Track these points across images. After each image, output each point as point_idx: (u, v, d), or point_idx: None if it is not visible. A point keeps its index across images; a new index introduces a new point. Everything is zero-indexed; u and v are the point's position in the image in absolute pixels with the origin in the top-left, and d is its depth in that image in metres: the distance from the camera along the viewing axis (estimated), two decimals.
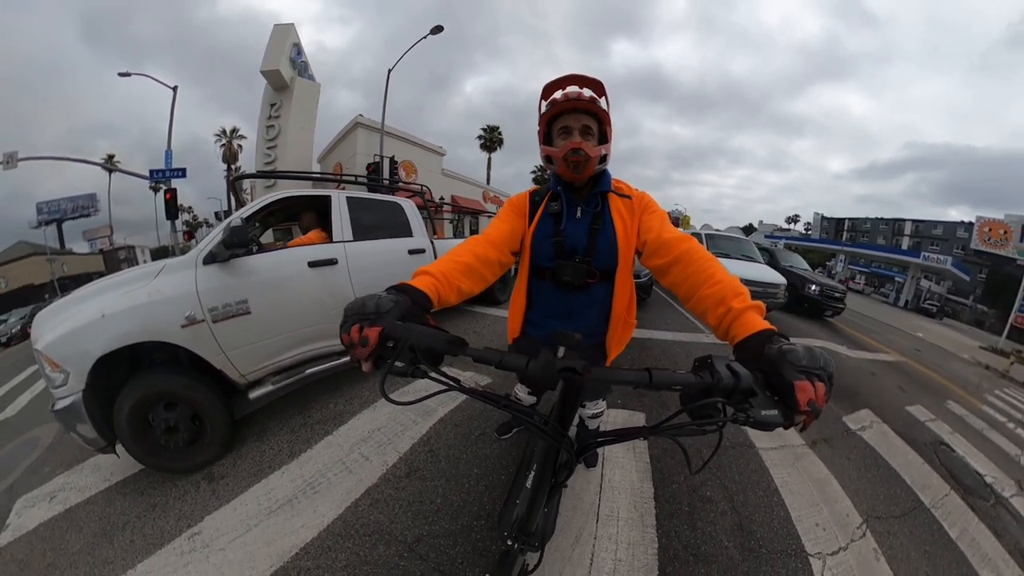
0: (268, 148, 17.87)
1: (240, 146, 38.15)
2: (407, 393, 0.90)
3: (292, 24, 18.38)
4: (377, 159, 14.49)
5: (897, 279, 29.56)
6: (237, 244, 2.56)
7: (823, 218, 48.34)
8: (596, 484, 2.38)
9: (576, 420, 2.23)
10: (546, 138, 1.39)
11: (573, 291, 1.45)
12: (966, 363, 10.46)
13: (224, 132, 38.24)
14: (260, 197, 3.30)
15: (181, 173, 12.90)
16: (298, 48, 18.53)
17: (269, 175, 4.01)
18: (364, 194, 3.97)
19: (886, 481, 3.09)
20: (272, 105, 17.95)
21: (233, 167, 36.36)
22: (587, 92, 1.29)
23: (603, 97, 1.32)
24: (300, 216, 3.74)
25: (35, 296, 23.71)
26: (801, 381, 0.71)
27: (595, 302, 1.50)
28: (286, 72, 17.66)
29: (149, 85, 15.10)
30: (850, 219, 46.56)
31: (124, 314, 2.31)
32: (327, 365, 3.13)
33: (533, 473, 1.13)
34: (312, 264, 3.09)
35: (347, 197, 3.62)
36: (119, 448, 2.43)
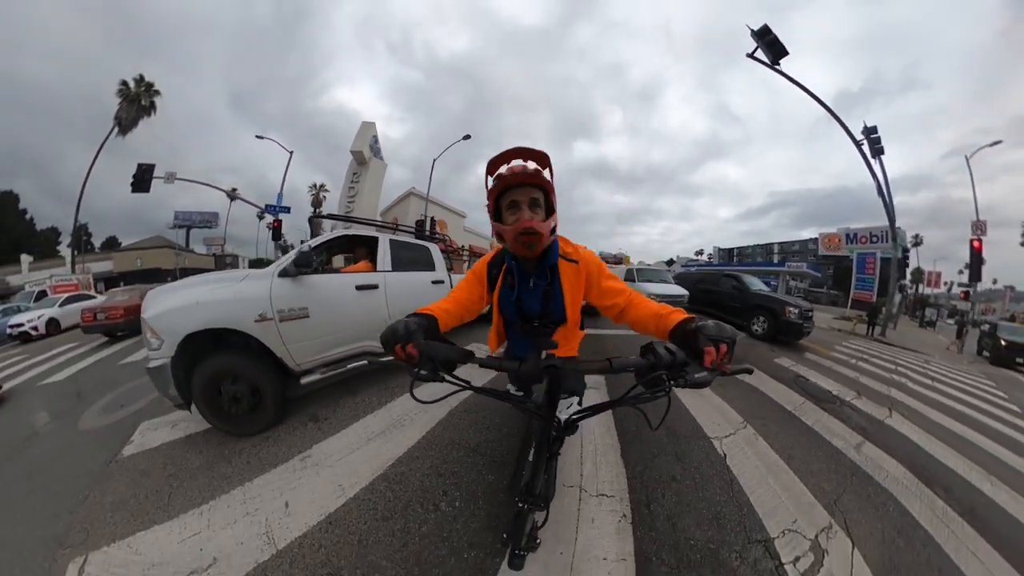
0: (349, 201, 19.21)
1: (324, 196, 39.48)
2: (437, 392, 0.85)
3: (374, 122, 20.36)
4: (423, 217, 15.34)
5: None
6: (303, 265, 2.42)
7: (719, 249, 48.96)
8: (578, 440, 2.21)
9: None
10: (495, 213, 1.04)
11: (535, 335, 1.25)
12: (824, 330, 10.63)
13: (315, 185, 40.39)
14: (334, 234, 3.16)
15: (287, 210, 13.30)
16: (375, 138, 20.21)
17: (337, 218, 3.94)
18: (403, 238, 3.80)
19: (761, 403, 3.21)
20: (355, 174, 19.60)
21: (318, 210, 36.82)
22: (532, 165, 0.97)
23: (547, 168, 1.00)
24: (355, 250, 3.51)
25: (159, 278, 22.88)
26: (708, 347, 0.73)
27: (552, 336, 1.30)
28: (366, 153, 19.31)
29: (267, 144, 15.52)
30: (738, 248, 47.24)
31: (213, 304, 2.18)
32: (361, 363, 2.80)
33: (533, 448, 1.04)
34: (359, 287, 2.87)
35: (390, 239, 3.42)
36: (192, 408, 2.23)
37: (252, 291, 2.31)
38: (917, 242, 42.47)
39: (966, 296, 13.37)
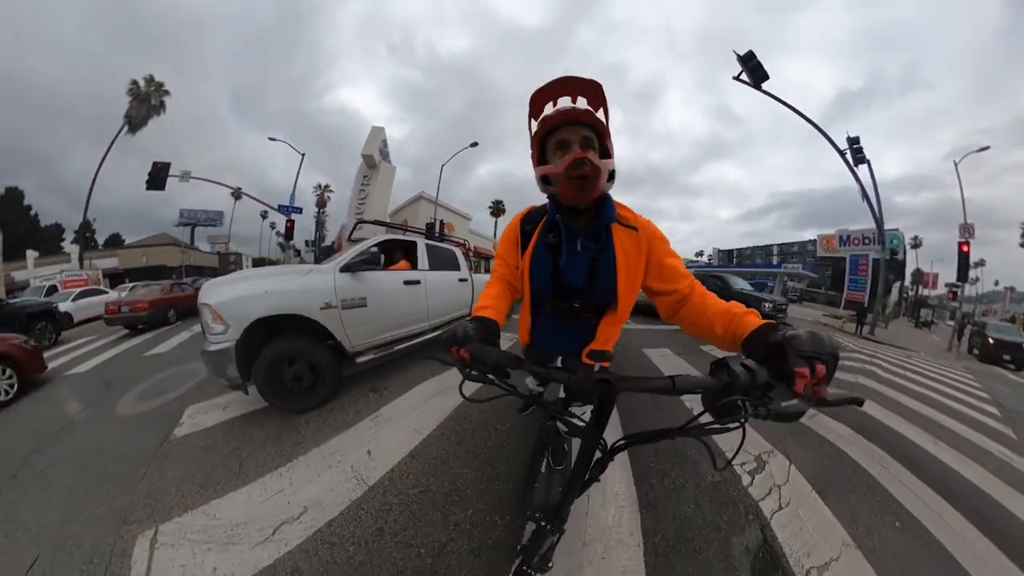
0: (359, 203, 19.79)
1: (329, 196, 40.85)
2: (485, 395, 0.84)
3: (383, 127, 20.76)
4: (432, 220, 15.96)
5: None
6: (373, 263, 2.85)
7: (719, 251, 49.70)
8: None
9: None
10: (540, 158, 0.90)
11: (570, 320, 1.07)
12: (808, 324, 11.37)
13: (319, 186, 41.84)
14: (350, 239, 3.58)
15: (299, 210, 13.88)
16: (384, 142, 20.79)
17: (388, 225, 4.28)
18: (435, 242, 4.28)
19: None
20: (365, 176, 20.12)
21: (322, 211, 38.40)
22: (582, 103, 0.82)
23: (602, 106, 0.84)
24: (393, 251, 3.76)
25: (164, 275, 22.76)
26: (801, 368, 0.54)
27: (592, 326, 1.09)
28: (376, 157, 19.77)
29: (269, 144, 16.01)
30: (737, 249, 47.67)
31: (281, 293, 2.41)
32: (407, 344, 3.29)
33: (550, 459, 0.95)
34: (406, 282, 3.34)
35: (426, 243, 3.88)
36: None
37: (319, 283, 2.61)
38: (916, 244, 43.02)
39: (954, 296, 13.87)
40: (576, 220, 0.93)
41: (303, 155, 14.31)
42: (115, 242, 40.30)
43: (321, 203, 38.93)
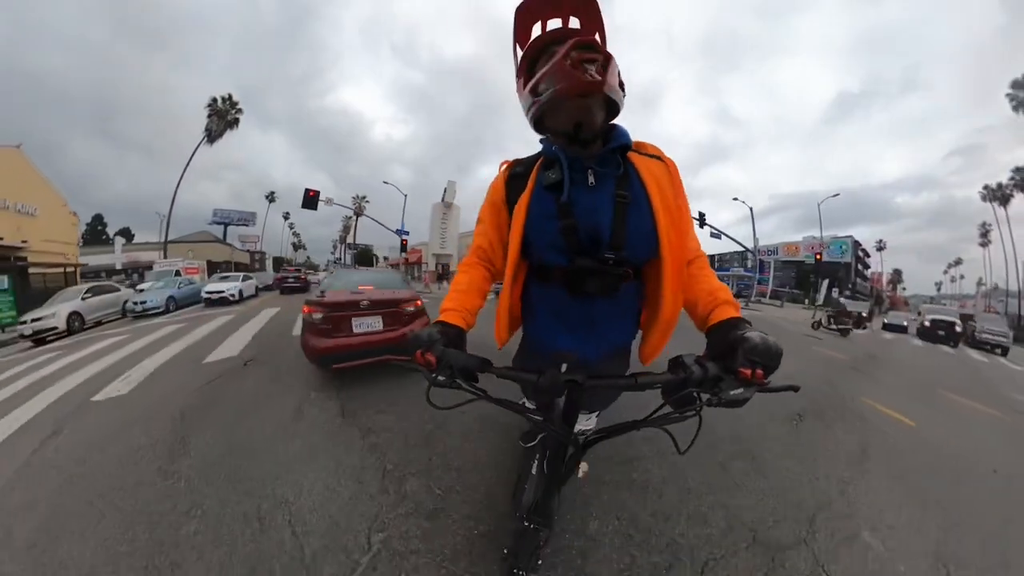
0: (442, 232, 28.37)
1: (364, 206, 45.51)
2: (454, 399, 0.81)
3: (455, 181, 28.85)
4: None
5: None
6: None
7: None
8: None
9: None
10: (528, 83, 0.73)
11: (597, 298, 0.85)
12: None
13: (357, 196, 47.66)
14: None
15: (407, 233, 18.67)
16: (455, 191, 28.77)
17: None
18: None
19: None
20: (444, 214, 28.47)
21: (357, 217, 44.41)
22: (575, 23, 0.72)
23: (597, 32, 0.72)
24: None
25: (212, 270, 25.21)
26: (745, 368, 0.61)
27: (625, 306, 0.92)
28: (452, 201, 28.30)
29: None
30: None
31: None
32: None
33: (544, 464, 1.02)
34: None
35: None
36: None
37: None
38: (881, 247, 53.39)
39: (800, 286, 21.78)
40: (582, 151, 0.78)
41: (406, 196, 19.67)
42: (125, 236, 43.71)
43: (359, 211, 42.54)
